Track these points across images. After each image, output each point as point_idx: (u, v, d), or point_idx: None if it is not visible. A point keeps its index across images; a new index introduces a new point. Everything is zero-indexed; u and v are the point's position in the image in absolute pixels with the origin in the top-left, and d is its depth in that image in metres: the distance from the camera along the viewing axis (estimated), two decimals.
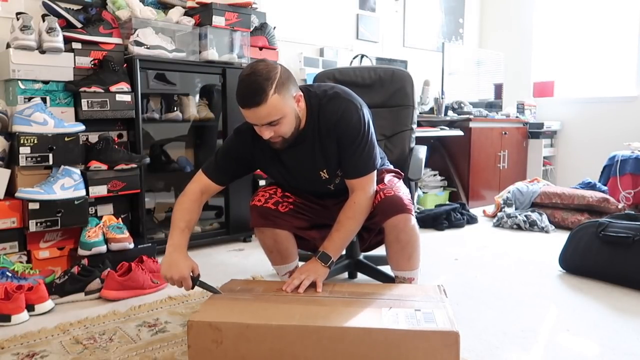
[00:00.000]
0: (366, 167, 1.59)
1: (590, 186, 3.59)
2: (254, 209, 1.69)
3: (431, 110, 4.10)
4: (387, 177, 1.74)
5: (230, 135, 1.70)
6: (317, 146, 1.59)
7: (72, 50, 2.37)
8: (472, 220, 3.58)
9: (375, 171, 1.63)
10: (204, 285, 1.49)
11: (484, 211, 3.87)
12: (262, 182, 2.95)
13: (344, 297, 1.41)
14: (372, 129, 1.61)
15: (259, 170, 1.78)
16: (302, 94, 1.53)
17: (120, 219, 2.34)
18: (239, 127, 1.67)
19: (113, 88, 2.39)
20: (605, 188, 3.55)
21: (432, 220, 3.36)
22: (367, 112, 1.61)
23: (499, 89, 4.90)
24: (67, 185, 2.21)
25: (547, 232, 3.28)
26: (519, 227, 3.37)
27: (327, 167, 1.63)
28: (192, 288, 1.50)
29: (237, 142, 1.65)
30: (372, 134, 1.61)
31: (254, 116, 1.43)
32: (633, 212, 2.54)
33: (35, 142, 2.16)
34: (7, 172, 2.19)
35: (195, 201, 1.61)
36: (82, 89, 2.33)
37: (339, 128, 1.55)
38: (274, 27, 3.16)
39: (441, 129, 3.87)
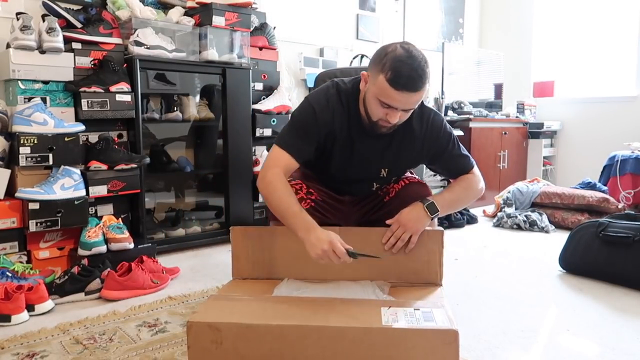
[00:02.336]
0: (468, 164, 1.65)
1: (590, 186, 3.58)
2: None
3: None
4: (407, 173, 1.78)
5: (305, 107, 1.55)
6: (395, 146, 1.59)
7: (72, 50, 2.37)
8: (472, 220, 3.58)
9: (477, 167, 1.67)
10: (358, 255, 1.38)
11: (484, 211, 3.87)
12: None
13: (344, 295, 1.41)
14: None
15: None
16: None
17: (120, 219, 2.34)
18: (318, 98, 1.54)
19: (113, 88, 2.39)
20: (605, 188, 3.55)
21: None
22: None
23: (499, 89, 4.90)
24: (67, 185, 2.21)
25: (547, 232, 3.28)
26: (519, 227, 3.37)
27: (391, 168, 1.64)
28: (352, 257, 1.37)
29: (319, 116, 1.52)
30: (457, 139, 1.66)
31: (407, 100, 1.39)
32: (633, 212, 2.54)
33: (35, 142, 2.16)
34: (7, 172, 2.19)
35: (286, 184, 1.48)
36: (82, 89, 2.33)
37: (431, 142, 1.58)
38: (274, 27, 3.16)
39: None
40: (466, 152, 1.67)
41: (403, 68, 1.35)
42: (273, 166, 1.49)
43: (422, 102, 1.59)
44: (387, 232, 1.50)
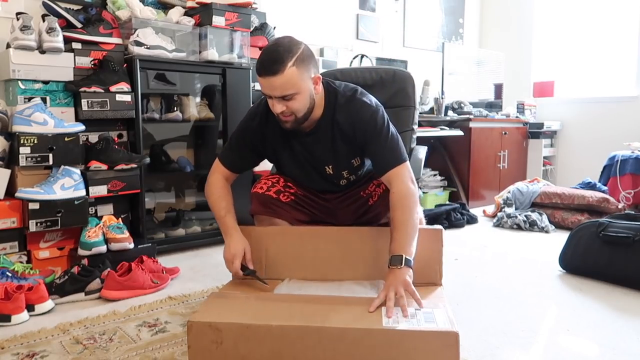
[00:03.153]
0: (395, 157, 1.52)
1: (590, 186, 3.59)
2: (255, 196, 1.71)
3: (431, 110, 4.10)
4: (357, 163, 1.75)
5: (244, 117, 1.70)
6: (328, 140, 1.60)
7: (72, 50, 2.37)
8: (472, 220, 3.58)
9: (408, 162, 1.55)
10: (251, 274, 1.54)
11: (484, 211, 3.87)
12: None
13: (344, 295, 1.41)
14: (392, 126, 1.58)
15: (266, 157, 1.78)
16: (321, 78, 1.54)
17: (120, 219, 2.34)
18: (252, 109, 1.68)
19: (113, 88, 2.39)
20: (605, 188, 3.55)
21: (432, 221, 3.36)
22: (384, 111, 1.60)
23: (499, 89, 4.90)
24: (67, 185, 2.21)
25: (547, 232, 3.28)
26: (519, 227, 3.37)
27: (334, 164, 1.64)
28: (243, 272, 1.53)
29: (251, 123, 1.65)
30: (393, 129, 1.58)
31: (269, 85, 1.43)
32: (633, 212, 2.54)
33: (35, 142, 2.16)
34: (7, 172, 2.19)
35: (222, 187, 1.67)
36: (82, 89, 2.33)
37: (357, 128, 1.56)
38: (274, 27, 3.16)
39: (441, 129, 3.87)
40: (398, 146, 1.54)
41: (262, 55, 1.45)
42: (212, 173, 1.71)
43: (354, 93, 1.58)
44: (388, 304, 1.27)
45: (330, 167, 1.65)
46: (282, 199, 1.69)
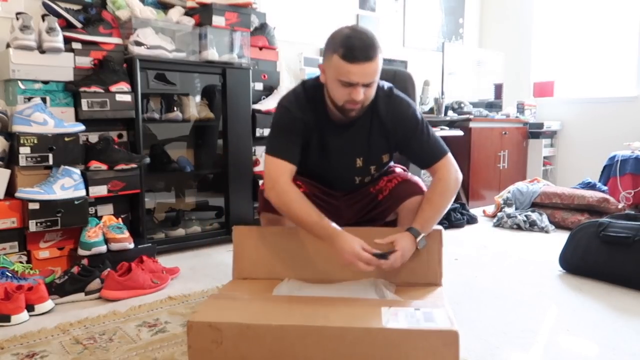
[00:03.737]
0: (440, 149, 1.61)
1: (590, 186, 3.58)
2: (263, 194, 1.68)
3: (431, 110, 4.10)
4: (398, 169, 1.78)
5: (279, 111, 1.61)
6: (366, 131, 1.60)
7: (72, 50, 2.37)
8: (472, 220, 3.58)
9: (450, 154, 1.63)
10: (384, 256, 1.44)
11: (484, 211, 3.87)
12: (262, 182, 2.95)
13: (344, 295, 1.41)
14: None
15: None
16: None
17: (120, 219, 2.34)
18: (286, 101, 1.60)
19: (113, 88, 2.39)
20: (605, 188, 3.55)
21: None
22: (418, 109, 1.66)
23: (499, 89, 4.90)
24: (67, 185, 2.21)
25: (547, 232, 3.28)
26: (519, 227, 3.37)
27: (365, 157, 1.64)
28: (382, 258, 1.43)
29: (293, 113, 1.57)
30: (430, 126, 1.63)
31: (362, 72, 1.41)
32: (633, 212, 2.54)
33: (35, 142, 2.16)
34: (7, 172, 2.19)
35: (298, 191, 1.52)
36: (82, 89, 2.33)
37: (397, 123, 1.58)
38: (274, 27, 3.16)
39: (441, 129, 3.87)
40: (437, 139, 1.63)
41: (352, 41, 1.41)
42: (279, 175, 1.52)
43: (391, 89, 1.61)
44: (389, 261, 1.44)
45: (361, 159, 1.65)
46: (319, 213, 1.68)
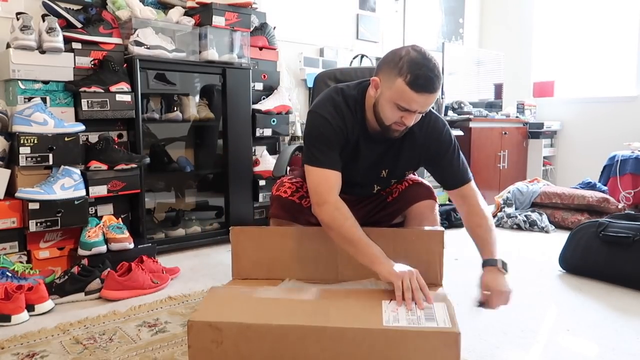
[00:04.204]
0: (468, 174, 1.60)
1: (590, 186, 3.58)
2: (278, 199, 1.67)
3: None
4: (408, 174, 1.77)
5: (317, 120, 1.51)
6: (397, 147, 1.58)
7: (72, 50, 2.37)
8: None
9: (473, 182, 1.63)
10: None
11: None
12: (262, 182, 2.95)
13: (344, 287, 1.39)
14: None
15: None
16: None
17: (120, 219, 2.34)
18: (325, 110, 1.50)
19: (113, 88, 2.39)
20: (605, 188, 3.55)
21: None
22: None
23: (499, 89, 4.90)
24: (67, 185, 2.21)
25: (547, 232, 3.28)
26: (519, 227, 3.37)
27: (391, 169, 1.63)
28: None
29: (334, 124, 1.49)
30: (460, 150, 1.63)
31: (425, 102, 1.39)
32: (633, 212, 2.54)
33: (35, 142, 2.16)
34: (7, 172, 2.19)
35: (350, 213, 1.44)
36: (82, 89, 2.33)
37: (432, 141, 1.57)
38: (274, 27, 3.16)
39: None
40: (466, 163, 1.63)
41: (422, 70, 1.35)
42: (328, 190, 1.44)
43: None
44: (494, 302, 1.45)
45: (386, 171, 1.63)
46: (303, 204, 1.66)
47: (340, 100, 1.53)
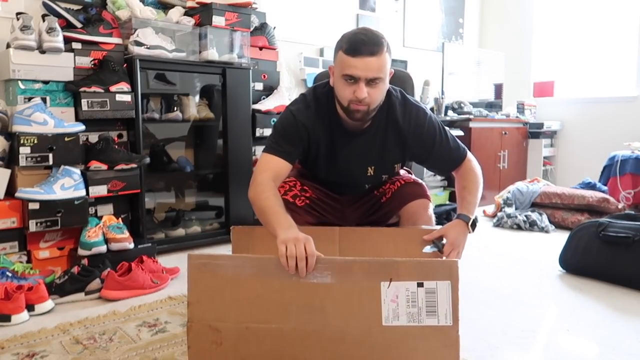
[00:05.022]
0: (461, 151, 1.61)
1: (590, 186, 3.58)
2: None
3: (431, 110, 4.10)
4: (402, 171, 1.77)
5: (285, 115, 1.58)
6: (381, 140, 1.58)
7: (72, 50, 2.37)
8: None
9: (468, 151, 1.64)
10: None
11: (484, 211, 3.87)
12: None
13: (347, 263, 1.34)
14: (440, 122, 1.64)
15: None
16: (392, 73, 1.53)
17: (120, 219, 2.34)
18: (295, 107, 1.57)
19: (113, 88, 2.39)
20: (605, 188, 3.55)
21: None
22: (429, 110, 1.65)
23: (499, 89, 4.90)
24: (67, 185, 2.21)
25: (547, 232, 3.28)
26: (519, 227, 3.37)
27: (377, 166, 1.63)
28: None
29: (299, 120, 1.54)
30: (445, 127, 1.63)
31: (365, 66, 1.39)
32: (633, 212, 2.54)
33: (35, 142, 2.16)
34: (7, 172, 2.19)
35: (274, 188, 1.45)
36: (82, 89, 2.33)
37: (416, 133, 1.56)
38: (274, 27, 3.16)
39: None
40: (456, 140, 1.62)
41: (356, 37, 1.42)
42: (263, 170, 1.49)
43: (404, 96, 1.59)
44: (447, 248, 1.50)
45: (372, 168, 1.63)
46: (297, 203, 1.66)
47: (311, 98, 1.58)
